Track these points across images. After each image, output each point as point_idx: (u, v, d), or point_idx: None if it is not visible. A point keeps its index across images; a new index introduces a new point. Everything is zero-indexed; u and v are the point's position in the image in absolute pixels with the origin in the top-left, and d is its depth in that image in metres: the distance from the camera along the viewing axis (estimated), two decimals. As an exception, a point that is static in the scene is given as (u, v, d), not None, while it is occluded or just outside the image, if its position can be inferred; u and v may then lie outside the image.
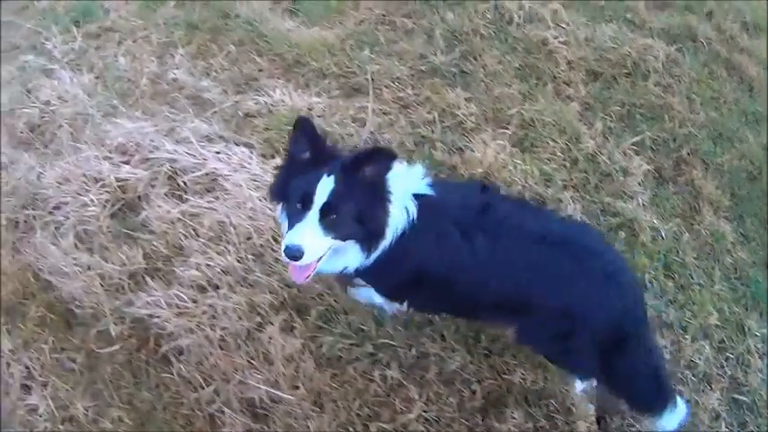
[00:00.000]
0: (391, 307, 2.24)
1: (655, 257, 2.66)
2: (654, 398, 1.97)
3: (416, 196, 1.75)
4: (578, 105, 3.18)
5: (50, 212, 2.74)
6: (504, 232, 1.77)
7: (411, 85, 3.11)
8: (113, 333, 2.27)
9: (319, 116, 2.91)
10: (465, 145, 2.89)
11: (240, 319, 2.27)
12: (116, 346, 2.26)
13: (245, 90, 3.13)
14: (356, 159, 1.66)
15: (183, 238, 2.48)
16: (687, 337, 2.46)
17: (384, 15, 3.46)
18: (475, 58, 3.27)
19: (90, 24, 3.92)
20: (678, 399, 2.02)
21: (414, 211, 1.72)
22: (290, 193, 1.70)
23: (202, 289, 2.35)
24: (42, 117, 3.36)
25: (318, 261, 1.71)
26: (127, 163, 2.86)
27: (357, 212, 1.66)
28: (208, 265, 2.39)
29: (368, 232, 1.71)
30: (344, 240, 1.70)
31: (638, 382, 1.93)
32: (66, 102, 3.33)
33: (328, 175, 1.63)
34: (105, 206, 2.66)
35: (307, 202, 1.63)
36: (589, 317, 1.81)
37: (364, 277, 2.01)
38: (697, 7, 4.02)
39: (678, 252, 2.73)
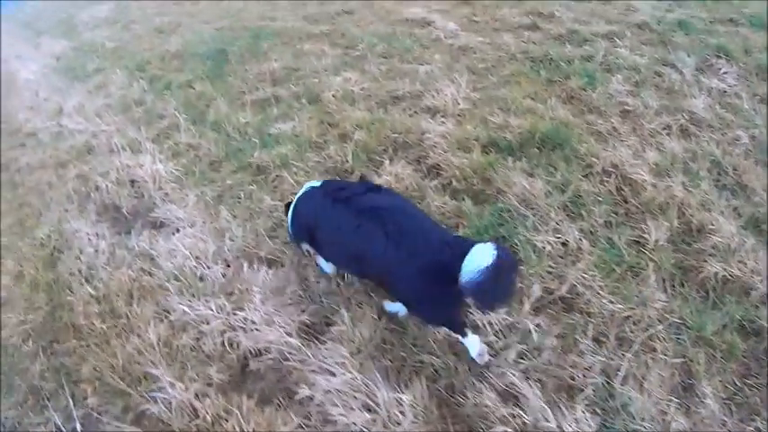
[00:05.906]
0: (327, 266, 3.07)
1: None
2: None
3: (309, 187, 2.79)
4: None
5: None
6: (354, 205, 2.45)
7: None
8: None
9: None
10: None
11: None
12: None
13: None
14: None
15: None
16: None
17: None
18: None
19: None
20: None
21: (300, 192, 2.83)
22: None
23: None
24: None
25: None
26: None
27: None
28: None
29: None
30: None
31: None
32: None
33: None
34: None
35: None
36: (400, 272, 2.30)
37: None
38: None
39: None
